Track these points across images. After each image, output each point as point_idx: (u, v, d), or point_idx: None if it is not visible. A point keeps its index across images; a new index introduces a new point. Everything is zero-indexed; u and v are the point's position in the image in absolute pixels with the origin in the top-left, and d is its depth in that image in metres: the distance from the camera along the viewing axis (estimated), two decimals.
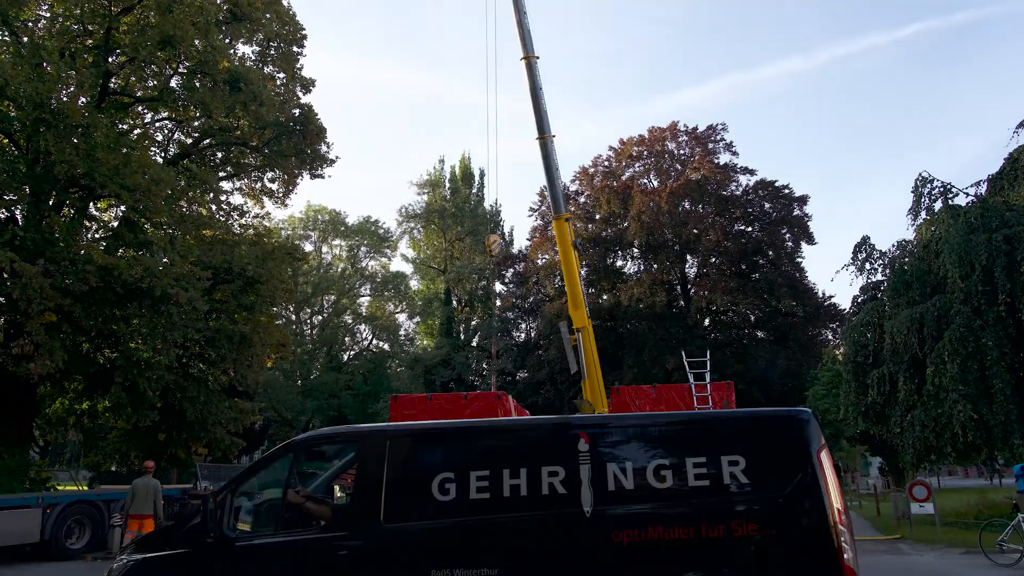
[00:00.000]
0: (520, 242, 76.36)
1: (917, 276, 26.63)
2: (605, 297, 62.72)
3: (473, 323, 71.38)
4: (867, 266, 30.27)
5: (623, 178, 64.24)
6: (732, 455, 8.26)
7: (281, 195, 36.92)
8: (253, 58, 34.36)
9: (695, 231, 58.46)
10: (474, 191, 76.35)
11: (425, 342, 76.45)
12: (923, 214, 27.93)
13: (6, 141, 27.08)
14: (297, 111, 34.47)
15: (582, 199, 66.40)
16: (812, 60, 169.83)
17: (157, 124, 34.73)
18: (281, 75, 34.78)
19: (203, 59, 29.36)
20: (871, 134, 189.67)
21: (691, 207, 60.39)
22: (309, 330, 77.17)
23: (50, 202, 27.52)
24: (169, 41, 27.62)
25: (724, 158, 62.31)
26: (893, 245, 29.78)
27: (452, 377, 63.47)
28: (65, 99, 25.45)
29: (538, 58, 32.60)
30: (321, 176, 36.18)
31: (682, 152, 64.53)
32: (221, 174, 35.63)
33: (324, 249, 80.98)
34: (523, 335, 70.84)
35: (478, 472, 8.48)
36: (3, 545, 20.34)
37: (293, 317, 71.02)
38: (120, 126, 30.76)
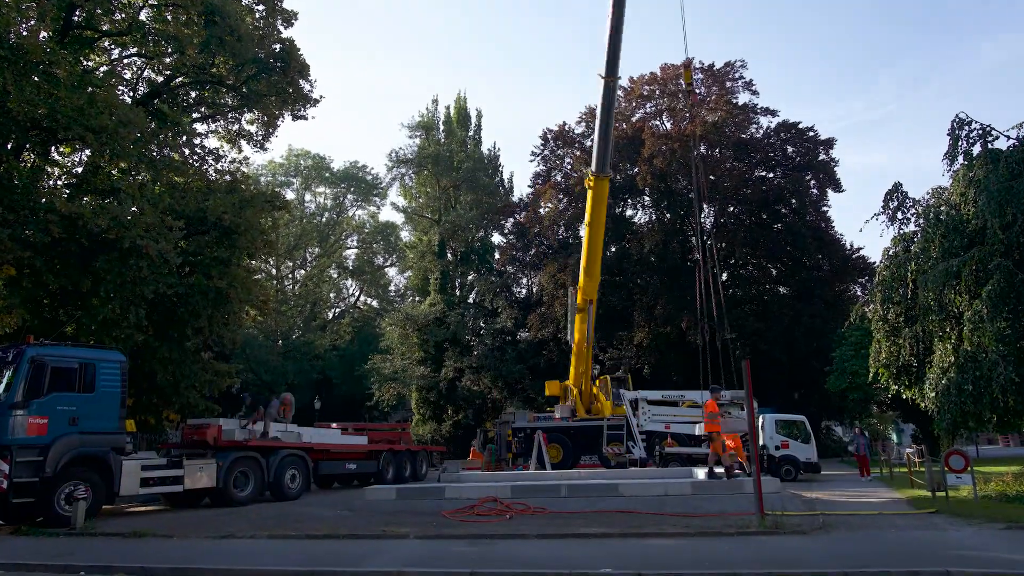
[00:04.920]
0: (520, 189, 76.23)
1: (953, 226, 26.37)
2: (613, 249, 62.56)
3: (470, 278, 71.36)
4: (899, 215, 29.96)
5: (633, 120, 63.91)
6: None
7: (260, 138, 36.81)
8: None
9: (711, 177, 58.17)
10: (471, 134, 76.02)
11: (417, 298, 76.39)
12: (960, 159, 27.60)
13: None
14: (278, 47, 34.22)
15: (588, 142, 66.07)
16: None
17: (125, 61, 34.42)
18: (260, 7, 34.42)
19: None
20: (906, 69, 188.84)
21: (707, 151, 60.05)
22: (291, 285, 77.31)
23: (8, 146, 27.35)
24: None
25: (743, 98, 62.08)
26: (927, 193, 29.54)
27: (447, 336, 63.57)
28: (25, 34, 25.17)
29: None
30: (304, 117, 36.09)
31: (697, 92, 64.11)
32: (195, 115, 35.48)
33: (307, 197, 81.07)
34: (524, 290, 70.87)
35: None
36: None
37: (273, 271, 71.15)
38: (85, 63, 30.53)
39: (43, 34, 26.80)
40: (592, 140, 65.60)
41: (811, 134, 60.06)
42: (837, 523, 17.87)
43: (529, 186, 70.15)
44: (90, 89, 25.70)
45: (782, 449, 33.71)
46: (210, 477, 25.56)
